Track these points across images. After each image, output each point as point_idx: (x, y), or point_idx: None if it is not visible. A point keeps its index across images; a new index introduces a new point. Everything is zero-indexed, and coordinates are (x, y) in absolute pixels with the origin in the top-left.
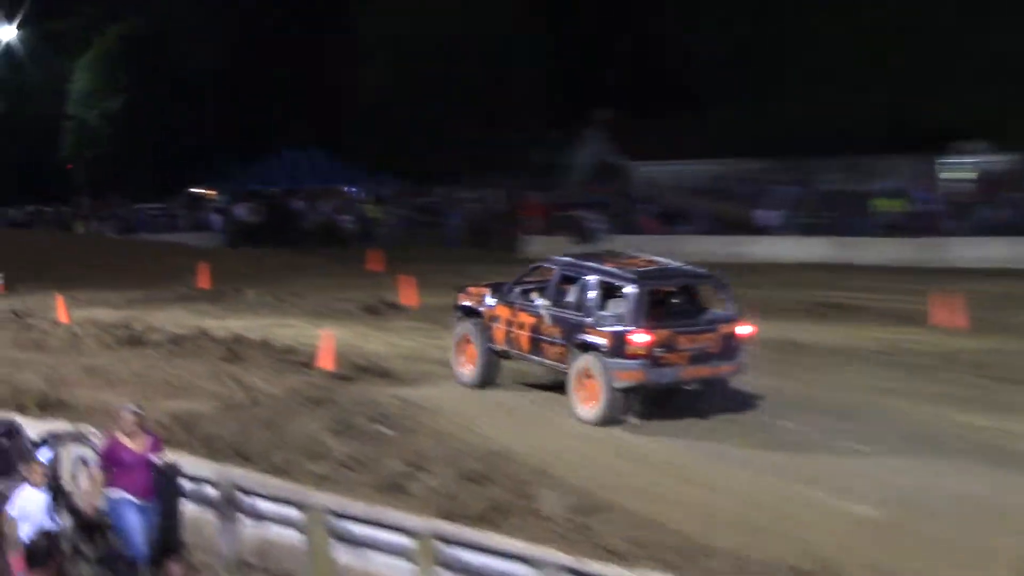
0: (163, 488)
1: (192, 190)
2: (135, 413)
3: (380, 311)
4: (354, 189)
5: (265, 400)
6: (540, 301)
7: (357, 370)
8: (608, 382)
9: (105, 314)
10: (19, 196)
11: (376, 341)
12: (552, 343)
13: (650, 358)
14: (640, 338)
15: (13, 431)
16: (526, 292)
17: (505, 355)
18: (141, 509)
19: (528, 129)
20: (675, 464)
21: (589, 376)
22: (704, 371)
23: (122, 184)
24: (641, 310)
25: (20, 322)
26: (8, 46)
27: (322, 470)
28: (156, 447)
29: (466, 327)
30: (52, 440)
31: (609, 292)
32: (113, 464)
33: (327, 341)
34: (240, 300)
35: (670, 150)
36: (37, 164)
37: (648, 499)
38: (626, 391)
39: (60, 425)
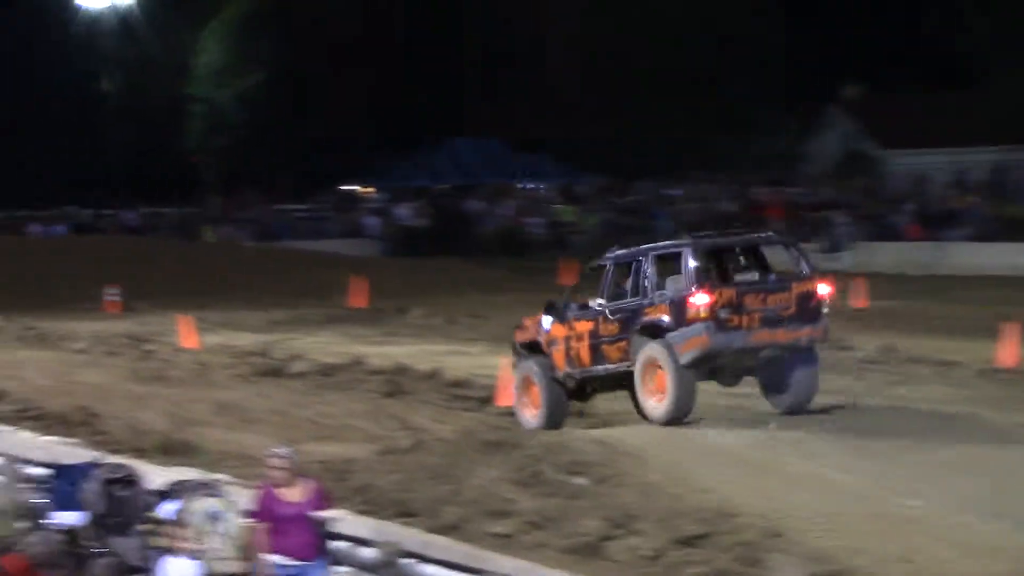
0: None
1: (343, 188)
2: (285, 457)
3: None
4: (542, 186)
5: (434, 444)
6: (595, 302)
7: None
8: (675, 363)
9: (240, 339)
10: (135, 196)
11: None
12: (613, 341)
13: (715, 320)
14: (700, 299)
15: (131, 480)
16: (583, 306)
17: (571, 381)
18: (300, 575)
19: (753, 114)
20: (947, 525)
21: (655, 365)
22: (780, 335)
23: (259, 181)
24: (699, 271)
25: (139, 349)
26: (123, 14)
27: (504, 529)
28: (317, 497)
29: (526, 367)
30: (177, 491)
31: (666, 267)
32: (265, 520)
33: (509, 372)
34: (403, 322)
35: (935, 135)
36: (156, 157)
37: (910, 571)
38: (696, 366)
39: (187, 473)
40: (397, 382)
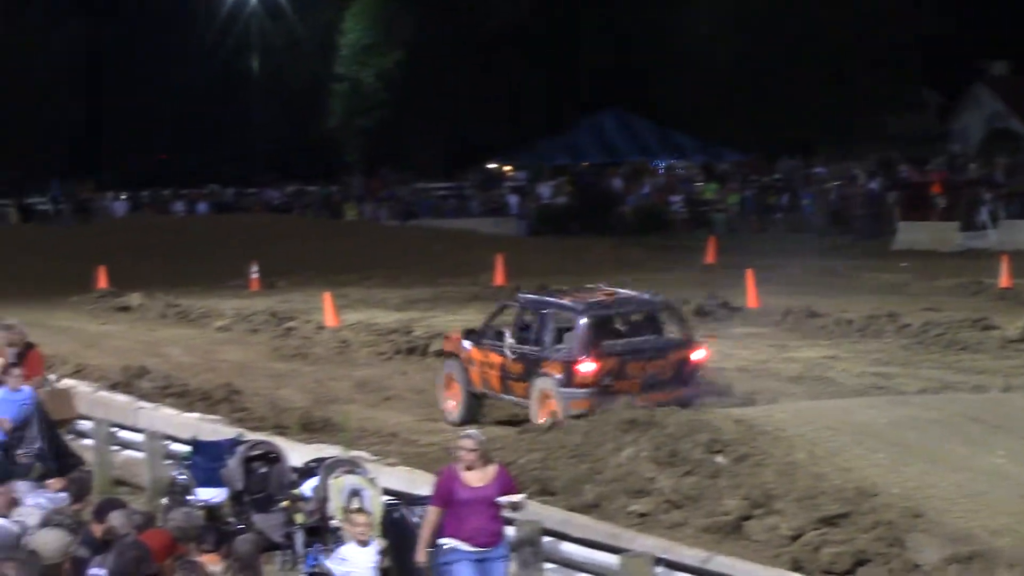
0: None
1: (486, 166)
2: (475, 439)
3: (714, 314)
4: (683, 164)
5: (574, 423)
6: (507, 340)
7: None
8: (564, 408)
9: (381, 317)
10: (279, 174)
11: (710, 350)
12: (518, 380)
13: (599, 386)
14: (587, 367)
15: (272, 457)
16: (499, 333)
17: (484, 397)
18: (479, 562)
19: (895, 92)
20: None
21: (548, 396)
22: (657, 397)
23: (401, 159)
24: (587, 339)
25: (280, 326)
26: None
27: (643, 508)
28: (504, 482)
29: (449, 366)
30: (319, 468)
31: (563, 325)
32: (447, 504)
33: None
34: None
35: None
36: (300, 136)
37: None
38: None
39: (327, 450)
40: None
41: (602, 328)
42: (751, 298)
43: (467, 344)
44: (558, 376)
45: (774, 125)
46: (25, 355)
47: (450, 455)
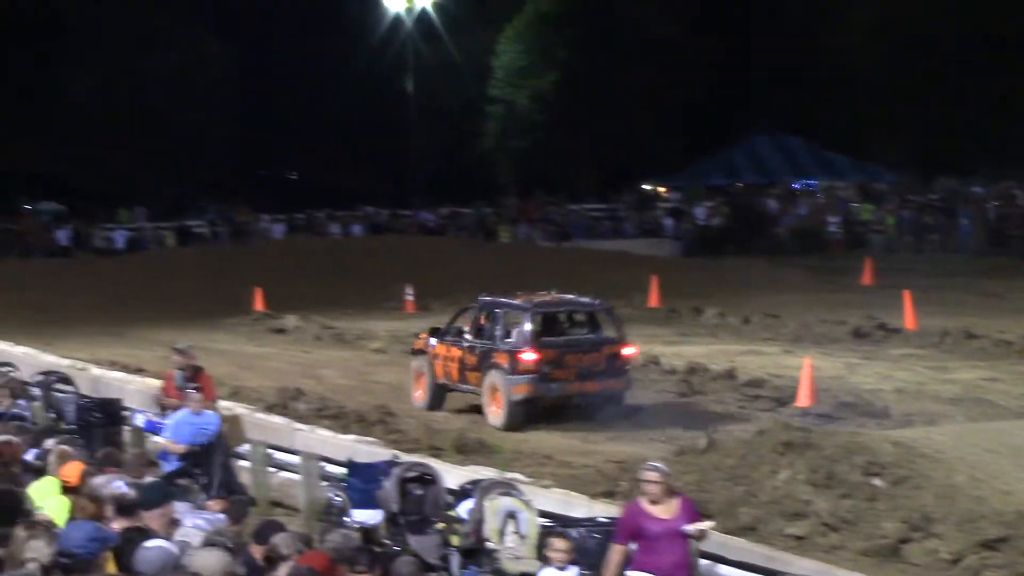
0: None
1: (641, 187)
2: (660, 471)
3: (872, 335)
4: (840, 184)
5: (729, 444)
6: (466, 336)
7: (843, 408)
8: (508, 395)
9: None
10: (433, 196)
11: (866, 372)
12: (473, 370)
13: (539, 374)
14: (529, 356)
15: (428, 479)
16: (459, 331)
17: (447, 388)
18: None
19: None
20: None
21: (496, 390)
22: (589, 386)
23: (556, 181)
24: (531, 333)
25: None
26: (425, 16)
27: (800, 531)
28: (689, 513)
29: (419, 363)
30: (475, 490)
31: (513, 322)
32: (634, 537)
33: (807, 372)
34: (698, 321)
35: None
36: (454, 157)
37: None
38: (523, 404)
39: (482, 472)
40: (691, 382)
41: (545, 324)
42: (909, 319)
43: (433, 341)
44: (505, 365)
45: (931, 144)
46: (196, 378)
47: (633, 487)
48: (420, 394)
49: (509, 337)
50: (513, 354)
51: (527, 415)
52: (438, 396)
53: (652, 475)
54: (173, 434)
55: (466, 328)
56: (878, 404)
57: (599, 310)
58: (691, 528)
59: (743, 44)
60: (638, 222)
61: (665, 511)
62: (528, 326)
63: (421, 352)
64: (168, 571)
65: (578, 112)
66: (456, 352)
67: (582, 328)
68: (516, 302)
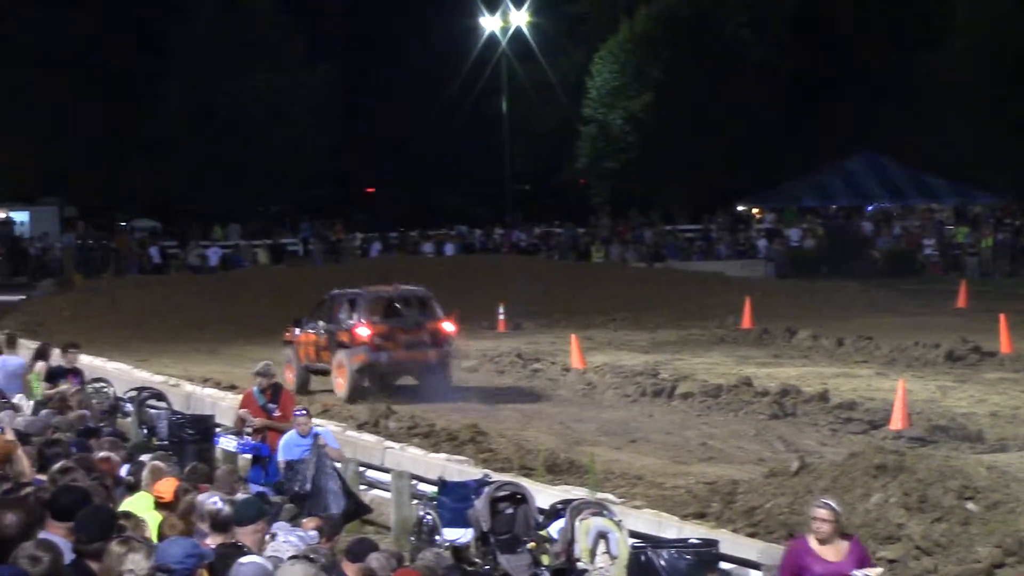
0: None
1: (735, 208)
2: (832, 509)
3: (966, 358)
4: (936, 206)
5: (821, 467)
6: (320, 324)
7: (937, 431)
8: (348, 366)
9: (628, 359)
10: (526, 216)
11: (960, 395)
12: (325, 350)
13: (372, 345)
14: (362, 331)
15: (519, 498)
16: (316, 320)
17: (309, 369)
18: None
19: None
20: None
21: (341, 365)
22: (415, 356)
23: (648, 201)
24: (365, 312)
25: (526, 367)
26: (517, 34)
27: (893, 554)
28: (859, 556)
29: (288, 350)
30: (566, 510)
31: (353, 307)
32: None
33: (900, 395)
34: (791, 343)
35: None
36: (547, 178)
37: None
38: (362, 372)
39: (573, 492)
40: (784, 404)
41: (378, 307)
42: (1004, 343)
43: (297, 331)
44: (346, 342)
45: None
46: (276, 397)
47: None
48: (290, 377)
49: (351, 319)
50: (351, 331)
51: (366, 384)
52: (304, 379)
53: (824, 513)
54: (284, 456)
55: (320, 317)
56: (972, 428)
57: (424, 296)
58: (859, 573)
59: (839, 66)
60: (731, 243)
61: (834, 553)
62: (363, 307)
63: (289, 343)
64: None
65: (672, 133)
66: (313, 337)
67: (410, 311)
68: (356, 291)
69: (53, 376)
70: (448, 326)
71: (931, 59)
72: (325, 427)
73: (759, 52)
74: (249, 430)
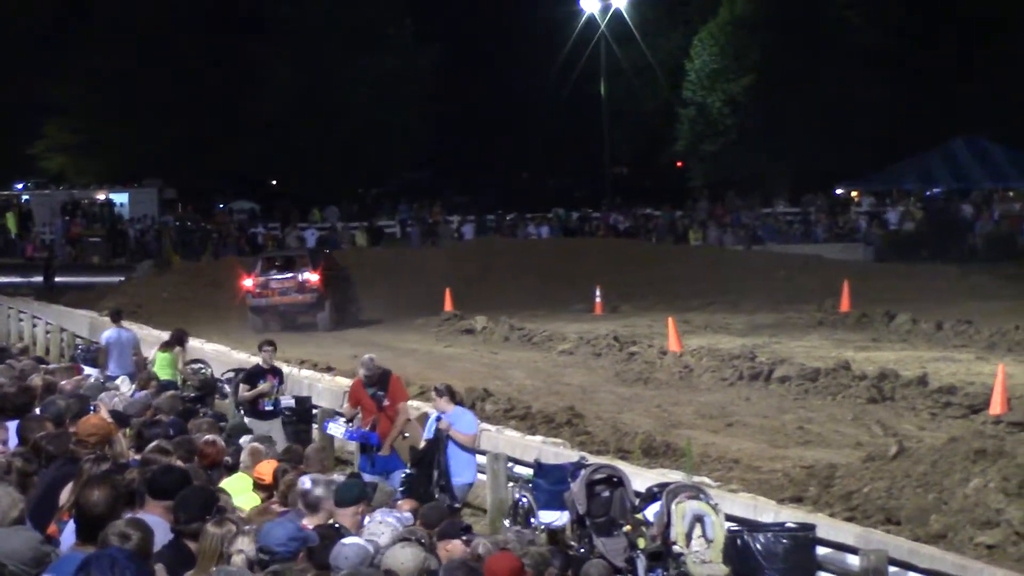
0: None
1: (834, 191)
2: None
3: None
4: None
5: (920, 451)
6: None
7: None
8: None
9: (725, 342)
10: (625, 198)
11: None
12: (242, 302)
13: (255, 293)
14: (247, 283)
15: (615, 481)
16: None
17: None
18: None
19: None
20: None
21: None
22: (288, 300)
23: (747, 184)
24: (255, 270)
25: (623, 351)
26: (617, 16)
27: (991, 539)
28: None
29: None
30: (662, 494)
31: (254, 267)
32: None
33: (1001, 379)
34: (890, 327)
35: None
36: (647, 160)
37: None
38: (256, 313)
39: (670, 475)
40: (882, 388)
41: (266, 266)
42: None
43: (248, 283)
44: (247, 293)
45: None
46: (387, 384)
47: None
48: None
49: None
50: (246, 283)
51: (261, 321)
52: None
53: None
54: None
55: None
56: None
57: (299, 255)
58: None
59: (944, 49)
60: (829, 226)
61: None
62: (255, 266)
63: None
64: (365, 568)
65: (771, 116)
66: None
67: (290, 267)
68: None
69: (252, 377)
70: (314, 276)
71: None
72: (462, 409)
73: (862, 36)
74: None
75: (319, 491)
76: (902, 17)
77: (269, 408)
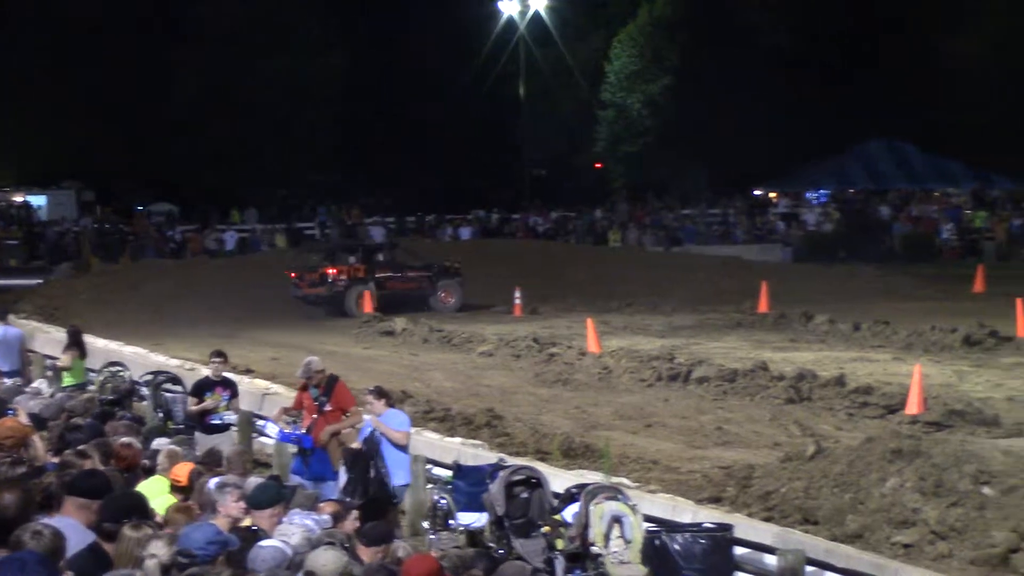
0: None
1: (752, 192)
2: None
3: (983, 343)
4: (954, 191)
5: (837, 452)
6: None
7: (953, 416)
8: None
9: (644, 344)
10: (544, 200)
11: (977, 380)
12: None
13: (295, 285)
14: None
15: (534, 482)
16: None
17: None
18: None
19: None
20: None
21: None
22: (317, 291)
23: (666, 185)
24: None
25: (542, 352)
26: (536, 18)
27: (908, 539)
28: None
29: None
30: (580, 495)
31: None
32: None
33: (917, 380)
34: (808, 328)
35: None
36: (565, 162)
37: None
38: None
39: (588, 476)
40: (800, 389)
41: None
42: (1021, 327)
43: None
44: None
45: None
46: (332, 389)
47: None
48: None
49: None
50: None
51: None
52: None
53: None
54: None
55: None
56: (988, 412)
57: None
58: None
59: (859, 51)
60: (749, 228)
61: None
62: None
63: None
64: (282, 570)
65: (690, 117)
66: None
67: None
68: None
69: (199, 390)
70: (331, 271)
71: (952, 42)
72: (395, 410)
73: (777, 37)
74: (291, 419)
75: (226, 493)
76: (822, 20)
77: (217, 422)
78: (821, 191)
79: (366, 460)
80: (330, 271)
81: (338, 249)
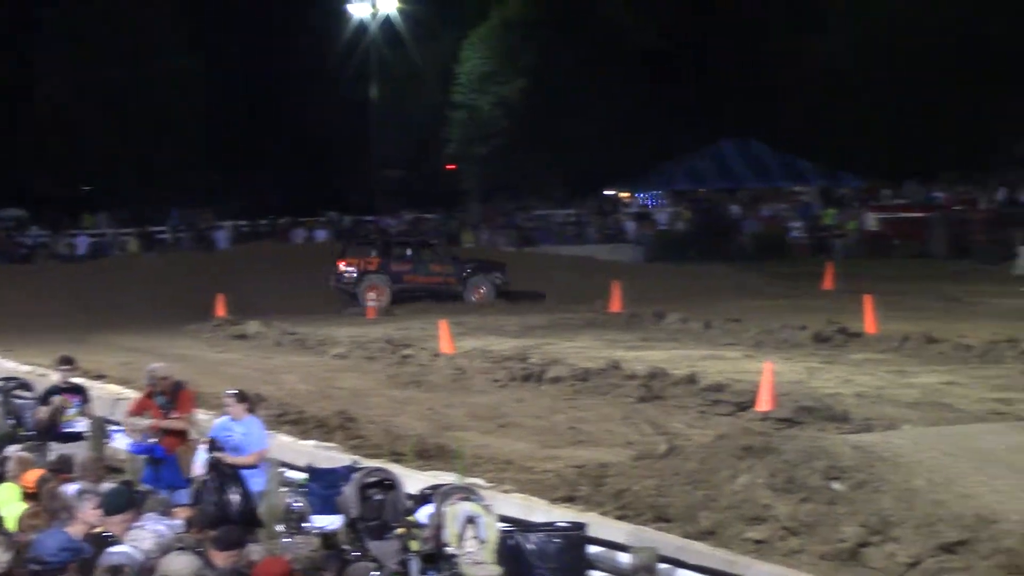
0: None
1: (605, 192)
2: None
3: (833, 339)
4: (802, 190)
5: (689, 449)
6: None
7: (803, 412)
8: None
9: (497, 344)
10: (398, 202)
11: (827, 376)
12: None
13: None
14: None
15: (388, 484)
16: None
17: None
18: None
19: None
20: None
21: None
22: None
23: (520, 186)
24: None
25: (396, 354)
26: (390, 22)
27: (760, 535)
28: None
29: None
30: (434, 496)
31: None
32: None
33: (767, 377)
34: (660, 327)
35: None
36: (418, 163)
37: None
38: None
39: (443, 477)
40: (653, 387)
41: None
42: (869, 324)
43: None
44: None
45: (898, 150)
46: (177, 396)
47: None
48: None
49: None
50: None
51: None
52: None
53: None
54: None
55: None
56: (838, 408)
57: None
58: None
59: (710, 51)
60: (600, 227)
61: None
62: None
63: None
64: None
65: (543, 118)
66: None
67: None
68: None
69: (45, 397)
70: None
71: (809, 42)
72: (255, 419)
73: (634, 36)
74: (143, 424)
75: (82, 499)
76: (675, 18)
77: (68, 430)
78: (652, 192)
79: (216, 493)
80: (341, 263)
81: (393, 243)
